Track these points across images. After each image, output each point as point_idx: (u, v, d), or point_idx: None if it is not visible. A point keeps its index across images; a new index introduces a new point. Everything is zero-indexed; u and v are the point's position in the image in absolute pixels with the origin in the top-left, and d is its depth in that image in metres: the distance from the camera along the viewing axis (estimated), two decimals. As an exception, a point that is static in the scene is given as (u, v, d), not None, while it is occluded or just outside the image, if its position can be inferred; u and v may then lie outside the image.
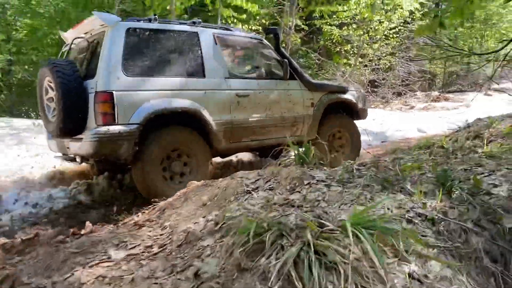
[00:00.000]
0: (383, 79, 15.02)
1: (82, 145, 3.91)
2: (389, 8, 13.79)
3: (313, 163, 2.76)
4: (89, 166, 5.18)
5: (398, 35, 14.40)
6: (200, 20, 4.72)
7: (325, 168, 2.76)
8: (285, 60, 5.05)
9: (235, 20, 10.84)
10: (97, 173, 5.02)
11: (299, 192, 2.24)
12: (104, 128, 3.76)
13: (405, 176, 2.55)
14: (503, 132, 4.88)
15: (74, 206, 4.46)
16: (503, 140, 4.57)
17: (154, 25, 4.27)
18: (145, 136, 3.98)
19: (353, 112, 5.84)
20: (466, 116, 8.82)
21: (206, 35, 4.60)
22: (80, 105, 3.88)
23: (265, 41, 5.27)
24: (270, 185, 2.46)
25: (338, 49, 14.84)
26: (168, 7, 8.92)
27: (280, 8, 13.20)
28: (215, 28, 4.93)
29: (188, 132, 4.32)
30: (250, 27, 11.15)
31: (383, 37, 14.32)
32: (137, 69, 4.03)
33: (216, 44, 4.61)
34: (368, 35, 14.22)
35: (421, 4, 13.68)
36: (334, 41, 14.52)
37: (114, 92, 3.78)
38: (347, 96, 5.71)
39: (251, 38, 5.26)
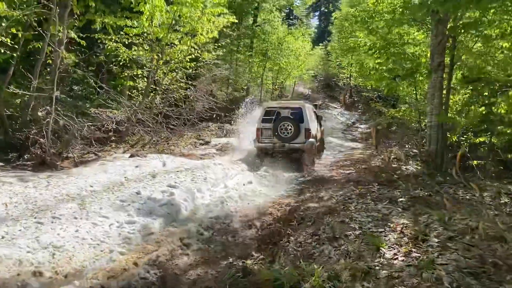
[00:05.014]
0: (179, 113, 12.92)
1: (305, 144, 10.05)
2: (185, 31, 11.94)
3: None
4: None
5: (196, 63, 12.70)
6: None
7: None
8: (320, 115, 13.01)
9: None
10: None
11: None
12: (311, 140, 10.13)
13: None
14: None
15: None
16: None
17: (315, 108, 12.48)
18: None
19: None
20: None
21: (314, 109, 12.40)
22: (299, 132, 10.03)
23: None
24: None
25: (126, 74, 11.98)
26: None
27: (47, 12, 9.29)
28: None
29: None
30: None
31: (179, 63, 12.35)
32: (311, 120, 10.63)
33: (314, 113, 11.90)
34: (162, 60, 11.97)
35: (222, 32, 12.35)
36: (121, 63, 11.64)
37: (311, 129, 10.20)
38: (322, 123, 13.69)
39: (315, 106, 13.21)
